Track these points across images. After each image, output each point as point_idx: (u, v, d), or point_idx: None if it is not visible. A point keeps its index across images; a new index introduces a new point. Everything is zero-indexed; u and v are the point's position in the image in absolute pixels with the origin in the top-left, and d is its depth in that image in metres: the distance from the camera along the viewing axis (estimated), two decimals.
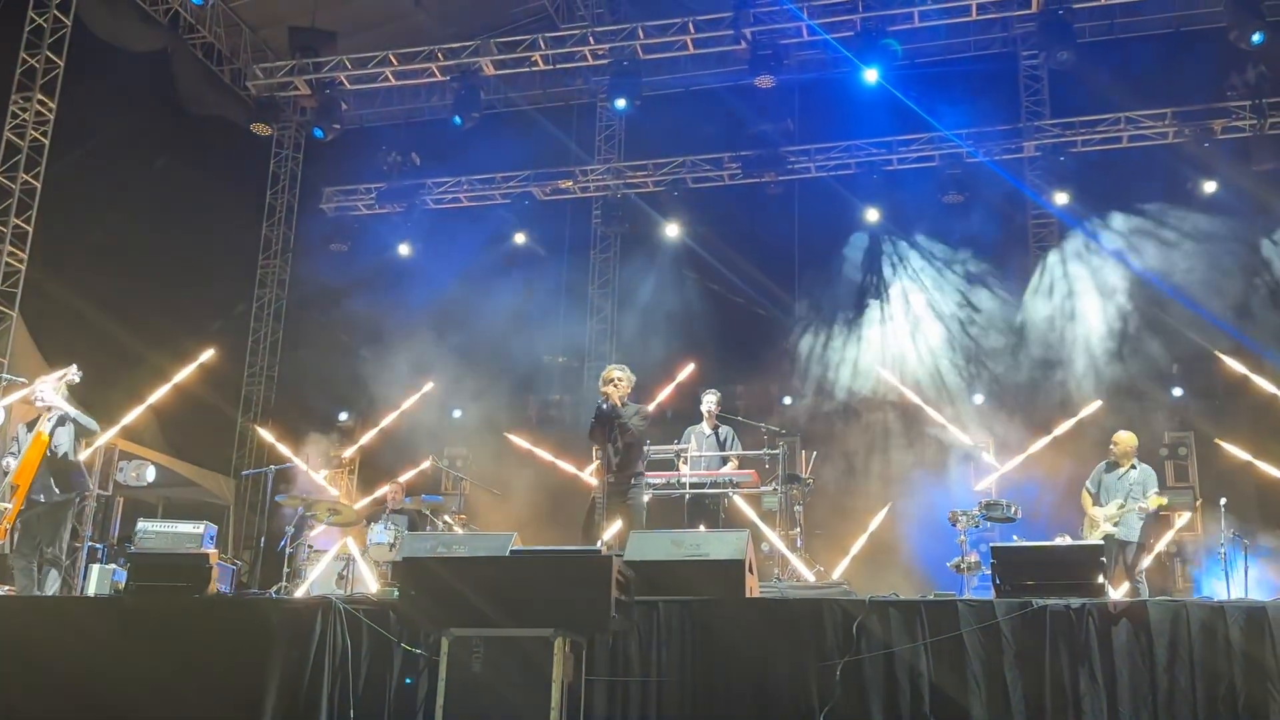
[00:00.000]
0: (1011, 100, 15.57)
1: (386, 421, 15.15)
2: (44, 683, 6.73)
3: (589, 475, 12.83)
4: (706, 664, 6.07)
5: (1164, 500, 10.37)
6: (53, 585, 8.76)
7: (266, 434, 15.79)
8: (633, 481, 8.69)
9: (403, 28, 16.34)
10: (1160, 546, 12.75)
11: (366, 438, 15.35)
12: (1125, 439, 10.63)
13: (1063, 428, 12.91)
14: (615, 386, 8.70)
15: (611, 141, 17.17)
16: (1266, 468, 12.38)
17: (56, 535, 8.84)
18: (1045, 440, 13.03)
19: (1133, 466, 10.52)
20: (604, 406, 8.58)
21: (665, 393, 13.66)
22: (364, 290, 16.07)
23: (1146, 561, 10.90)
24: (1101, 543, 8.20)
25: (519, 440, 14.42)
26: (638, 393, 9.69)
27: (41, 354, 12.87)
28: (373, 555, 10.87)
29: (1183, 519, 13.03)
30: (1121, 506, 10.27)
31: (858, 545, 13.22)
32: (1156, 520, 10.93)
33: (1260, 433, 12.85)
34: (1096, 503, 10.54)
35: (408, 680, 6.14)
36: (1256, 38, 12.73)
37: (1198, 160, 14.31)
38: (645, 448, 10.17)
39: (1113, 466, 10.62)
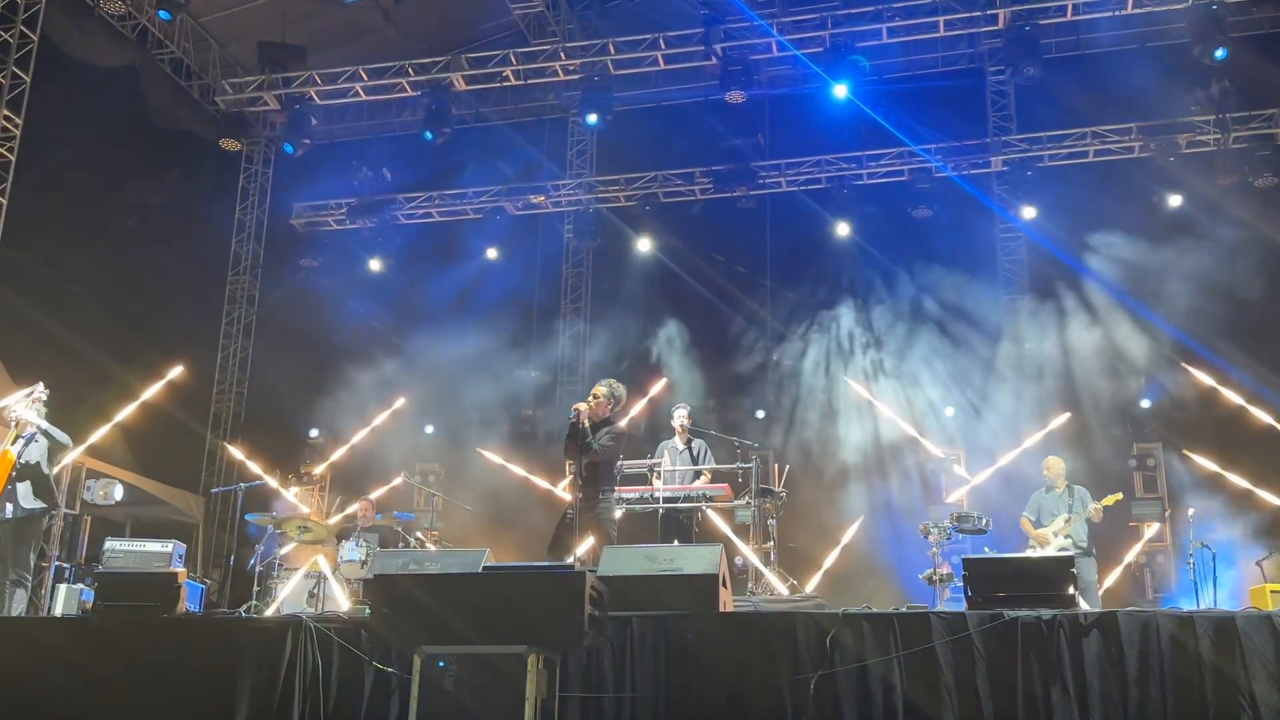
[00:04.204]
0: (979, 115, 15.72)
1: (358, 438, 15.06)
2: (10, 704, 6.64)
3: (562, 490, 12.81)
4: (680, 679, 6.06)
5: (1119, 496, 10.60)
6: (19, 605, 8.66)
7: (236, 451, 15.67)
8: (600, 497, 8.66)
9: (373, 43, 16.32)
10: (1129, 557, 12.86)
11: (337, 454, 15.25)
12: (1056, 462, 11.08)
13: (1032, 439, 12.99)
14: (588, 403, 8.69)
15: (583, 156, 17.20)
16: (1234, 478, 12.50)
17: (22, 552, 8.73)
18: (1015, 452, 13.10)
19: (1069, 487, 10.84)
20: (572, 423, 8.57)
21: (638, 408, 13.65)
22: (335, 306, 16.01)
23: (1109, 582, 11.05)
24: (1072, 555, 8.27)
25: (491, 456, 14.37)
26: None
27: (8, 372, 12.71)
28: (344, 573, 10.80)
29: (1152, 530, 13.14)
30: (1068, 519, 10.47)
31: (831, 558, 13.24)
32: (1123, 525, 11.11)
33: (1227, 443, 12.99)
34: (1038, 525, 10.74)
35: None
36: (1220, 53, 12.93)
37: (1163, 174, 14.49)
38: (619, 463, 10.18)
39: (1048, 490, 10.94)
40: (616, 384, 8.93)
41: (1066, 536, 10.50)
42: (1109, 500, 10.55)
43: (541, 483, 13.91)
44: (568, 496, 8.89)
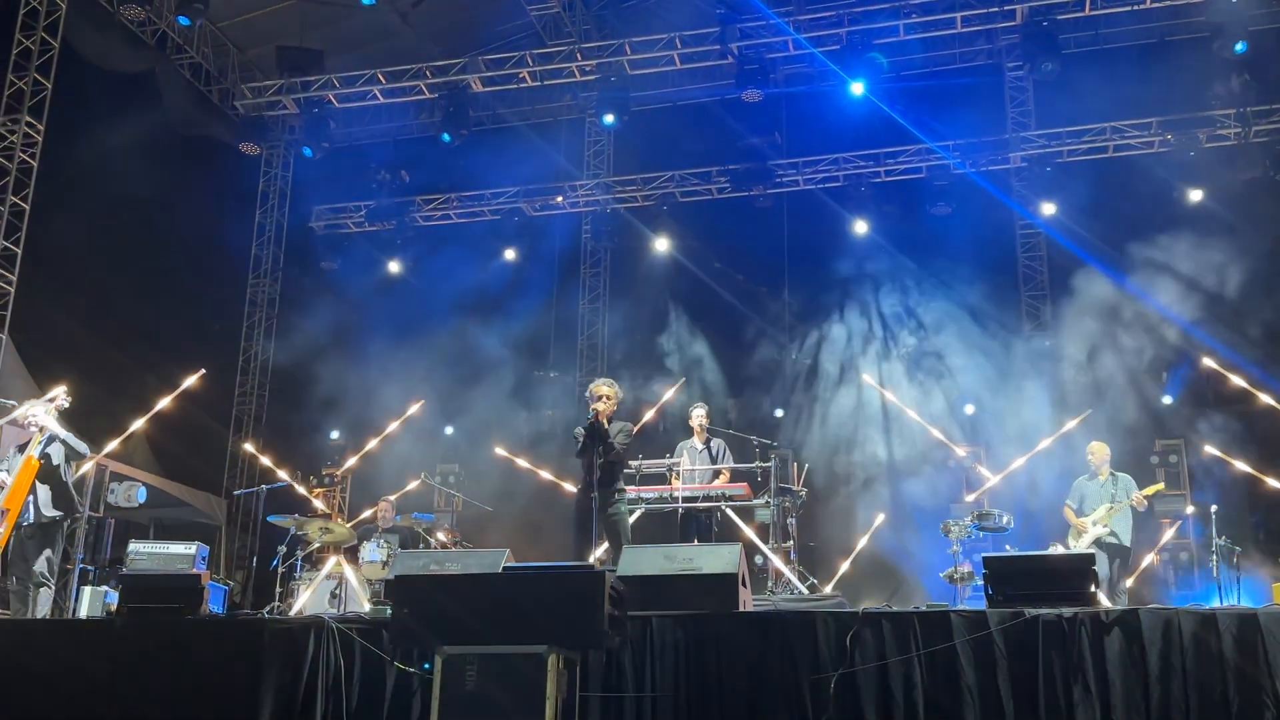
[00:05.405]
0: (997, 112, 15.65)
1: (378, 440, 15.11)
2: (36, 706, 6.70)
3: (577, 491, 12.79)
4: (700, 678, 6.07)
5: (1160, 485, 10.48)
6: (44, 607, 8.73)
7: (258, 453, 15.76)
8: (615, 497, 8.72)
9: (390, 46, 16.38)
10: (1151, 555, 12.77)
11: (358, 456, 15.32)
12: (1100, 448, 10.88)
13: (1054, 436, 12.92)
14: (604, 403, 8.72)
15: (600, 156, 17.22)
16: (1257, 474, 12.41)
17: (42, 556, 8.80)
18: (1036, 449, 13.03)
19: (1112, 474, 10.64)
20: (592, 423, 8.60)
21: (656, 407, 13.66)
22: (354, 308, 16.08)
23: (1131, 579, 10.95)
24: (1093, 552, 8.20)
25: (510, 456, 14.40)
26: (624, 409, 9.73)
27: (31, 376, 12.82)
28: (365, 574, 10.84)
29: (1174, 527, 13.06)
30: (1110, 508, 10.33)
31: (851, 557, 13.20)
32: (1145, 521, 11.02)
33: (1250, 438, 12.90)
34: (1080, 514, 10.60)
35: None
36: (1239, 47, 12.86)
37: (1183, 169, 14.39)
38: (638, 462, 10.23)
39: (1092, 477, 10.73)
40: (615, 383, 9.03)
41: (1106, 527, 10.36)
42: (1150, 490, 10.41)
43: (560, 482, 13.92)
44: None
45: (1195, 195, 14.27)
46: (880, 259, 15.30)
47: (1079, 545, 10.24)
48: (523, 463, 14.31)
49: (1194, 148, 14.36)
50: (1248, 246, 13.26)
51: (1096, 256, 14.21)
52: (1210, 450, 12.64)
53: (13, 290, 12.96)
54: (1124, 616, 5.84)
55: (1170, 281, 13.53)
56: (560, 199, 16.91)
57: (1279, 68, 13.86)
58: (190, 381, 12.89)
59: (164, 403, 12.85)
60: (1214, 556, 9.78)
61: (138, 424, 12.92)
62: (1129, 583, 10.87)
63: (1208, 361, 13.07)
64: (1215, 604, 9.03)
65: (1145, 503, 10.53)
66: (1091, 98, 14.74)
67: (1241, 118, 14.12)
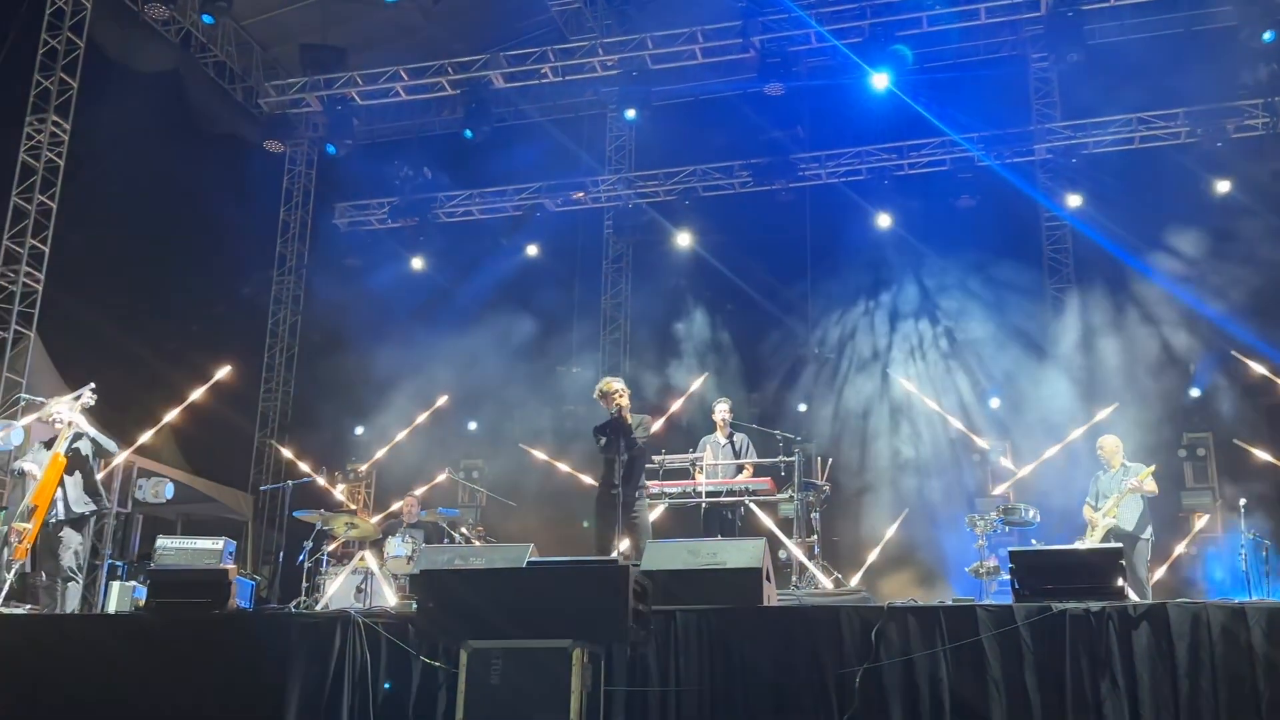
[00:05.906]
0: (1022, 103, 15.53)
1: (402, 435, 15.17)
2: (65, 701, 6.77)
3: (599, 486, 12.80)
4: (725, 673, 6.07)
5: (1154, 467, 10.38)
6: (72, 602, 8.82)
7: (283, 449, 15.84)
8: (637, 496, 8.75)
9: (413, 43, 16.43)
10: (1180, 548, 12.66)
11: (382, 451, 15.38)
12: (1110, 441, 10.79)
13: (1081, 429, 12.83)
14: (623, 398, 8.76)
15: (622, 151, 17.20)
16: None
17: (71, 549, 8.87)
18: (1062, 443, 12.94)
19: (1124, 465, 10.56)
20: (615, 420, 8.62)
21: (679, 402, 13.65)
22: (378, 304, 16.13)
23: (1160, 573, 10.84)
24: (1120, 545, 8.15)
25: (534, 451, 14.42)
26: (647, 404, 9.77)
27: (59, 373, 12.94)
28: (390, 568, 10.89)
29: (1202, 520, 12.95)
30: (1117, 498, 10.26)
31: (875, 552, 13.15)
32: (1173, 514, 10.90)
33: (1279, 431, 12.77)
34: (1096, 510, 10.54)
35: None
36: (1267, 36, 12.73)
37: (1211, 160, 14.25)
38: (661, 457, 10.24)
39: (1105, 471, 10.68)
40: (620, 379, 9.11)
41: (1114, 518, 10.25)
42: (1145, 473, 10.31)
43: (584, 478, 13.93)
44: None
45: (1223, 186, 14.12)
46: (903, 252, 15.22)
47: (1092, 541, 10.15)
48: (546, 457, 14.33)
49: (1221, 138, 14.20)
50: (1276, 236, 13.12)
51: (1123, 248, 14.10)
52: (1238, 443, 12.52)
53: (40, 288, 13.07)
54: (1152, 610, 5.80)
55: (1198, 273, 13.41)
56: (582, 194, 16.89)
57: None
58: (216, 377, 12.97)
59: (193, 397, 12.91)
60: (1243, 550, 9.71)
61: (166, 419, 13.01)
62: (1159, 574, 10.75)
63: (1236, 353, 12.95)
64: (1244, 597, 8.96)
65: (1153, 487, 10.37)
66: (1117, 89, 14.61)
67: (1270, 107, 13.97)
